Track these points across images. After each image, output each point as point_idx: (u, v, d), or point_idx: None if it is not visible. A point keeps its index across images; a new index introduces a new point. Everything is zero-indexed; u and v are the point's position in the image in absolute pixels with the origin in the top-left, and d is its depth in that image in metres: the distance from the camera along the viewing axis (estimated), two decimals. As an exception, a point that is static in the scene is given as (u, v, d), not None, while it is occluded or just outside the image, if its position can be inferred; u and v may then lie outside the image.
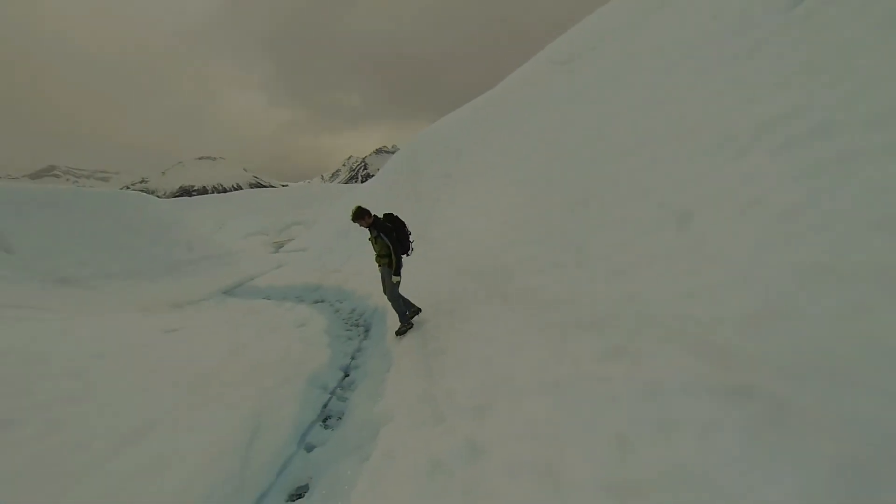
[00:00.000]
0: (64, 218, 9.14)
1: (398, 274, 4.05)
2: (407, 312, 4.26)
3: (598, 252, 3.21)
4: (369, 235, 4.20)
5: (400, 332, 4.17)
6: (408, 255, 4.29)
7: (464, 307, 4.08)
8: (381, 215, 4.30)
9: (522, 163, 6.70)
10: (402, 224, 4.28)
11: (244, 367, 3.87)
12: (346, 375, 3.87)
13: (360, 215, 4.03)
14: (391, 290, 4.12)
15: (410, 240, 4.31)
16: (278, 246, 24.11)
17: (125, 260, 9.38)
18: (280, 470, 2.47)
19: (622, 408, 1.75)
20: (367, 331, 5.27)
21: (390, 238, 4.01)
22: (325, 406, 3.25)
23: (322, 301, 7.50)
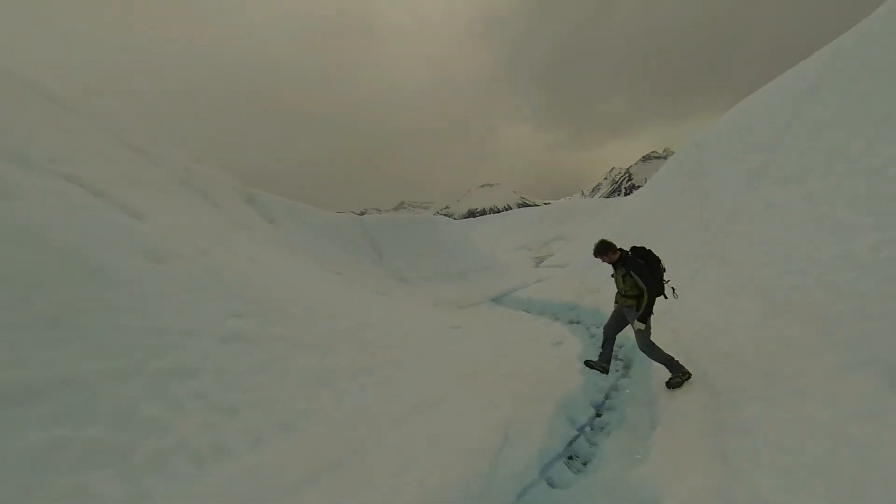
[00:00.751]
0: (405, 236, 13.59)
1: (644, 321, 3.31)
2: (673, 363, 3.38)
3: None
4: (612, 272, 3.60)
5: (672, 385, 3.35)
6: (665, 297, 3.49)
7: (787, 368, 2.72)
8: (628, 248, 3.58)
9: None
10: (657, 260, 3.49)
11: (504, 372, 4.25)
12: (598, 415, 3.44)
13: (603, 250, 3.46)
14: (642, 341, 3.40)
15: (666, 279, 3.49)
16: (539, 260, 25.89)
17: (433, 266, 12.78)
18: (520, 493, 2.44)
19: None
20: (626, 367, 4.56)
21: (643, 276, 3.30)
22: (570, 443, 3.00)
23: (578, 322, 7.25)
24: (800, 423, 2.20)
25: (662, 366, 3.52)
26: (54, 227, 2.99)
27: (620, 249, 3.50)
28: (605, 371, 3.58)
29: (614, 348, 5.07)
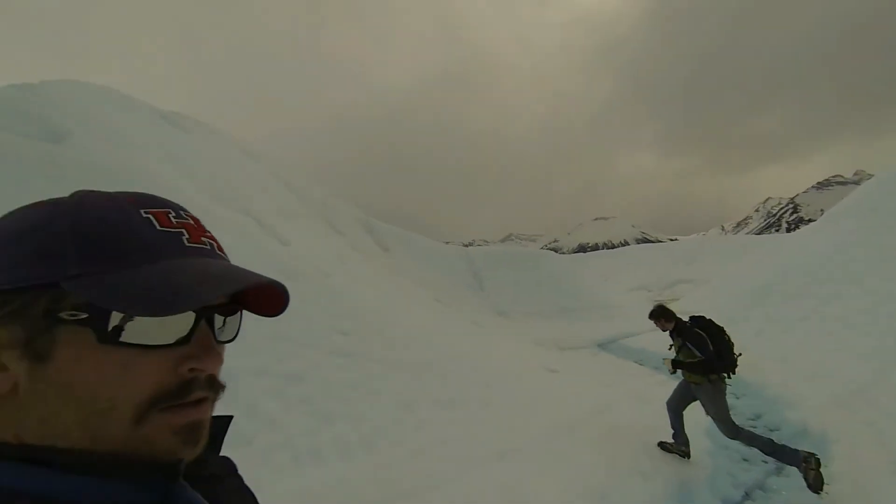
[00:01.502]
0: (507, 269, 13.46)
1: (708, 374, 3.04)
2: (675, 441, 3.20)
3: None
4: (671, 343, 3.38)
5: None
6: (729, 375, 3.14)
7: None
8: (686, 319, 3.33)
9: None
10: (720, 330, 3.17)
11: (602, 429, 3.70)
12: (747, 495, 2.66)
13: (657, 315, 3.35)
14: (722, 425, 3.05)
15: (736, 353, 3.15)
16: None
17: (534, 302, 12.26)
18: None
19: None
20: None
21: (700, 347, 3.02)
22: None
23: (708, 386, 5.91)
24: None
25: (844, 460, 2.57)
26: (233, 250, 3.93)
27: (678, 319, 3.31)
28: (686, 455, 3.24)
29: (765, 431, 4.00)
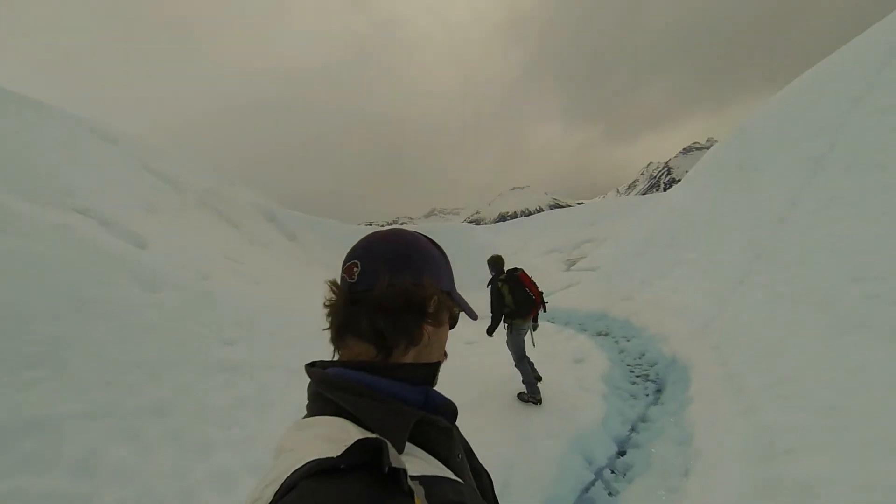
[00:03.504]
0: (443, 244, 13.40)
1: (489, 333, 3.74)
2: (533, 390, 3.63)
3: None
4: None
5: (522, 398, 3.68)
6: (533, 324, 3.79)
7: (858, 405, 2.15)
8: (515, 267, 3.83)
9: None
10: (518, 282, 3.63)
11: (513, 397, 3.85)
12: (622, 454, 2.97)
13: (489, 266, 3.88)
14: (513, 355, 3.76)
15: (546, 301, 3.82)
16: (570, 264, 24.79)
17: (456, 277, 12.48)
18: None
19: None
20: (658, 391, 4.01)
21: (491, 302, 3.65)
22: (586, 490, 2.57)
23: (606, 334, 6.65)
24: (875, 487, 1.68)
25: (708, 381, 3.06)
26: (50, 260, 3.03)
27: (498, 270, 3.75)
28: (537, 401, 3.60)
29: (647, 367, 4.52)
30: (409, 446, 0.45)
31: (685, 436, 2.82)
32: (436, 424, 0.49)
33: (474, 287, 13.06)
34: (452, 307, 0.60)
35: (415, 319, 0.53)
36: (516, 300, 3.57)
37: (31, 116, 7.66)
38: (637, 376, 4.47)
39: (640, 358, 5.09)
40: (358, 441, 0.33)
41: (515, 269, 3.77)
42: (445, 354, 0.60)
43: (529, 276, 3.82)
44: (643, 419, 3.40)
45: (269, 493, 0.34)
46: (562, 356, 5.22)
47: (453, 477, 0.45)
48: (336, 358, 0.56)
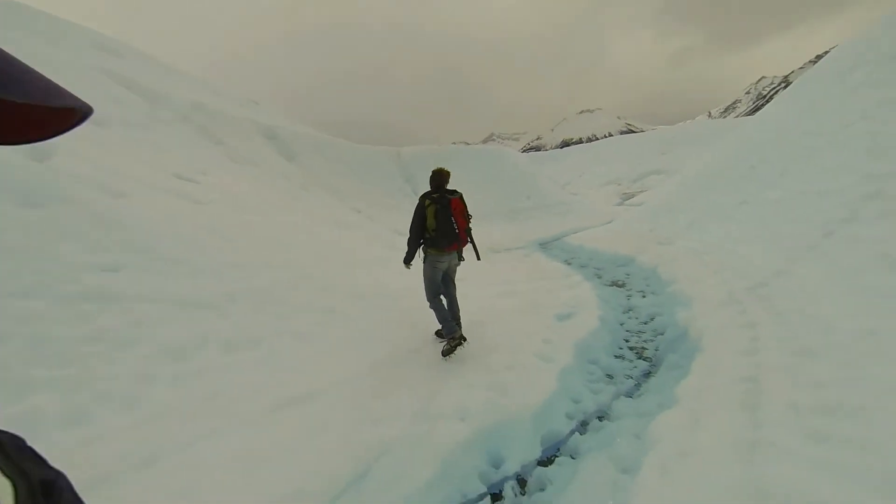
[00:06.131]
0: (469, 169, 12.04)
1: (406, 262, 3.18)
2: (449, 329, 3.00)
3: None
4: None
5: (444, 352, 2.97)
6: (458, 254, 3.20)
7: None
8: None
9: None
10: (453, 209, 2.98)
11: (478, 347, 3.12)
12: (545, 463, 2.15)
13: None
14: (426, 291, 3.15)
15: (472, 239, 3.17)
16: (627, 197, 21.94)
17: (480, 205, 11.30)
18: None
19: None
20: (647, 374, 2.98)
21: (415, 212, 3.02)
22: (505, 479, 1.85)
23: (621, 285, 5.42)
24: None
25: (714, 361, 2.01)
26: None
27: (437, 188, 3.08)
28: (455, 341, 2.96)
29: (650, 337, 3.49)
30: None
31: (633, 463, 1.88)
32: None
33: (499, 218, 11.91)
34: None
35: None
36: (438, 227, 2.96)
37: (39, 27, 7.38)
38: (630, 348, 3.42)
39: (646, 323, 3.95)
40: None
41: (453, 192, 3.10)
42: None
43: (465, 205, 3.13)
44: (602, 414, 2.47)
45: None
46: (547, 308, 4.25)
47: None
48: None
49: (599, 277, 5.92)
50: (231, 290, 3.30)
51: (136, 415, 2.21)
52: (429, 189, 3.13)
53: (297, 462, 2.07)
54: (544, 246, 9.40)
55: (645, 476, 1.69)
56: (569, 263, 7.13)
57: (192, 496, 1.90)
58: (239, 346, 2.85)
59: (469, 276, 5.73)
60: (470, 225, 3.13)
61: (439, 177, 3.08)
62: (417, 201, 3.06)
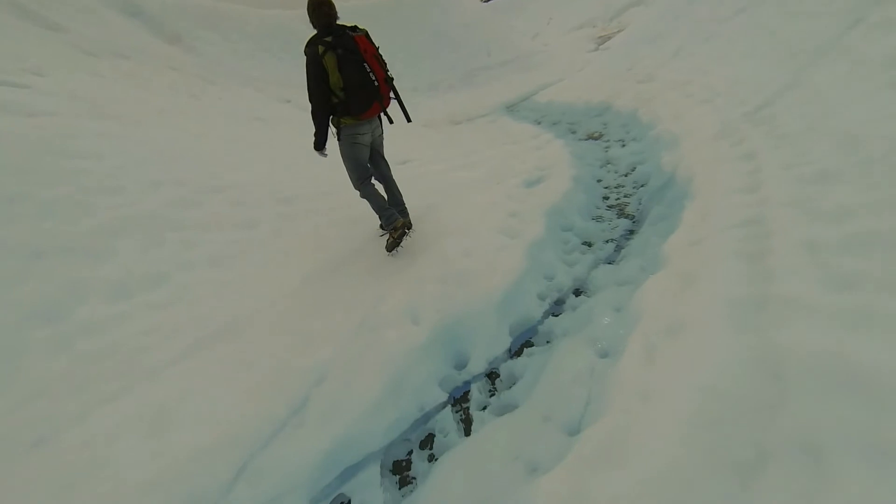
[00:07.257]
0: (386, 30, 9.75)
1: (318, 147, 2.29)
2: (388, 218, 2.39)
3: None
4: None
5: (388, 247, 2.43)
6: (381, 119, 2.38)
7: None
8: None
9: None
10: (362, 51, 2.03)
11: (431, 233, 2.64)
12: (517, 353, 1.84)
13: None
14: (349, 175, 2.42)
15: (395, 89, 2.29)
16: (603, 41, 19.24)
17: (431, 70, 9.53)
18: None
19: None
20: (630, 232, 2.57)
21: (308, 67, 2.04)
22: (423, 420, 1.57)
23: (597, 137, 4.74)
24: None
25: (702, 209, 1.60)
26: None
27: (320, 25, 2.06)
28: (399, 231, 2.37)
29: (631, 189, 3.02)
30: None
31: (614, 345, 1.55)
32: None
33: (460, 84, 10.27)
34: None
35: None
36: (348, 84, 2.03)
37: None
38: (609, 207, 2.96)
39: (627, 175, 3.43)
40: None
41: (353, 29, 2.12)
42: None
43: (374, 44, 2.17)
44: (579, 289, 2.12)
45: None
46: (513, 176, 3.65)
47: None
48: None
49: (573, 133, 5.18)
50: (105, 223, 2.53)
51: (11, 396, 1.74)
52: (314, 32, 2.08)
53: (219, 409, 1.71)
54: (511, 109, 8.26)
55: (627, 360, 1.36)
56: (539, 123, 6.26)
57: (99, 470, 1.56)
58: (132, 290, 2.26)
59: (420, 153, 4.92)
60: (389, 73, 2.21)
61: (320, 8, 2.02)
62: (306, 54, 2.05)
